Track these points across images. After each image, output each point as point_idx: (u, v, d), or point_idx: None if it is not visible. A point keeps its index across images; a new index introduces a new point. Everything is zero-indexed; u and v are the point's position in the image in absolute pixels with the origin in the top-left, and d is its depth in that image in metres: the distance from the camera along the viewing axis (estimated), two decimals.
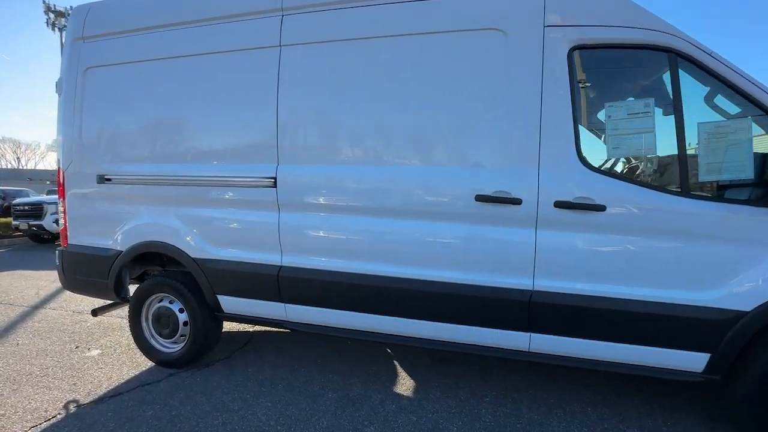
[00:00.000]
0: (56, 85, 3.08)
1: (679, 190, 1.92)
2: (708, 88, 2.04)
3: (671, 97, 1.92)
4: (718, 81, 1.90)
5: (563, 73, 2.02)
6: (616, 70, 2.29)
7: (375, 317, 2.38)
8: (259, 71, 2.51)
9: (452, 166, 2.19)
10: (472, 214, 2.14)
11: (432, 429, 2.16)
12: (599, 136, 2.53)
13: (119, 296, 3.00)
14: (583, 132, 2.12)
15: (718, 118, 2.09)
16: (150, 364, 2.97)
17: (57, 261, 3.14)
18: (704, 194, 1.94)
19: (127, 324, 3.04)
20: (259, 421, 2.24)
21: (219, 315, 2.81)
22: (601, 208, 1.96)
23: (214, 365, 2.94)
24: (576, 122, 2.02)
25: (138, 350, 3.02)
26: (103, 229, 2.95)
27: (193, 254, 2.71)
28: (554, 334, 2.11)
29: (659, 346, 1.98)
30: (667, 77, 1.98)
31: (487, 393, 2.51)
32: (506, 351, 2.23)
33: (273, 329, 3.57)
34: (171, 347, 2.92)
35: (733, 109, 2.03)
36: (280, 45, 2.46)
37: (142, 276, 3.13)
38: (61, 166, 3.05)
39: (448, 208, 2.19)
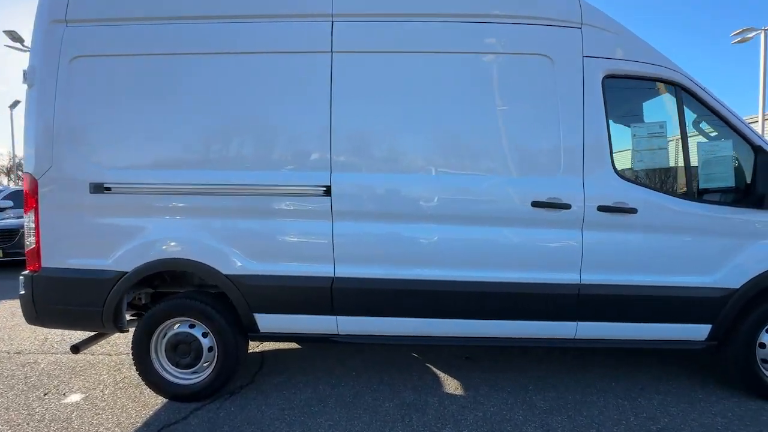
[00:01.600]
0: (24, 75, 2.53)
1: (688, 195, 2.41)
2: (695, 115, 2.59)
3: (680, 119, 2.41)
4: (707, 109, 2.45)
5: (599, 96, 2.38)
6: (636, 96, 2.75)
7: (437, 321, 2.45)
8: (310, 75, 2.42)
9: (511, 176, 2.40)
10: (528, 218, 2.37)
11: (501, 421, 2.31)
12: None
13: (117, 326, 2.55)
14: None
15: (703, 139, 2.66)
16: (160, 400, 2.57)
17: (22, 289, 2.55)
18: (705, 199, 2.45)
19: (102, 358, 2.60)
20: None
21: (253, 336, 2.58)
22: (634, 211, 2.35)
23: (239, 393, 2.66)
24: (610, 139, 2.39)
25: (133, 386, 2.60)
26: (98, 247, 2.49)
27: (227, 270, 2.45)
28: (597, 321, 2.43)
29: (676, 322, 2.43)
30: (672, 104, 2.47)
31: (528, 382, 2.74)
32: (555, 340, 2.49)
33: (283, 347, 3.36)
34: (190, 378, 2.57)
35: (713, 132, 2.61)
36: (331, 51, 2.42)
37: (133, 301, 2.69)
38: (30, 173, 2.50)
39: (508, 214, 2.38)
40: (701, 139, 2.50)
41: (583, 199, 2.35)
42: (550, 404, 2.47)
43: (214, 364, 2.54)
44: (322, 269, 2.45)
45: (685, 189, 2.45)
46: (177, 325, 2.56)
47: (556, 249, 2.40)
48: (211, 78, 2.47)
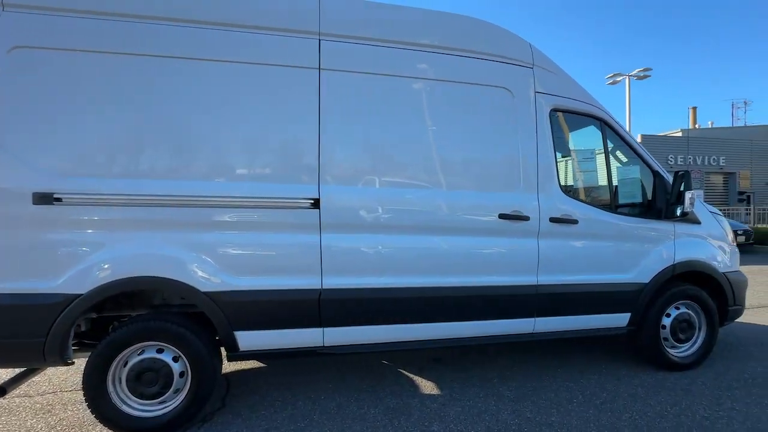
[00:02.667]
0: None
1: (611, 209, 2.98)
2: (613, 144, 3.22)
3: (604, 148, 2.99)
4: (621, 140, 3.08)
5: (548, 126, 2.85)
6: (571, 128, 3.29)
7: (419, 326, 2.62)
8: (298, 89, 2.45)
9: (481, 191, 2.71)
10: (497, 229, 2.70)
11: (479, 412, 2.55)
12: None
13: (62, 359, 2.20)
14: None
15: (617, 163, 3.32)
16: None
17: None
18: (623, 211, 3.06)
19: (21, 401, 2.27)
20: None
21: (232, 355, 2.44)
22: (576, 222, 2.83)
23: (213, 420, 2.48)
24: (556, 162, 2.87)
25: (76, 427, 2.27)
26: (40, 267, 2.15)
27: (205, 288, 2.30)
28: (551, 316, 2.85)
29: (607, 313, 2.96)
30: (598, 136, 3.05)
31: (492, 376, 3.05)
32: (517, 336, 2.84)
33: (246, 366, 3.20)
34: (156, 409, 2.32)
35: (626, 159, 3.26)
36: (319, 68, 2.49)
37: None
38: None
39: (481, 225, 2.68)
40: (618, 164, 3.13)
41: (539, 211, 2.76)
42: (515, 393, 2.80)
43: (186, 391, 2.34)
44: (310, 281, 2.45)
45: (609, 204, 3.03)
46: (140, 351, 2.30)
47: (519, 255, 2.76)
48: (190, 83, 2.34)
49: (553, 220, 2.79)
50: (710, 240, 3.21)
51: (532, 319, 2.82)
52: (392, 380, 3.01)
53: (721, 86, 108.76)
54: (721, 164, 22.26)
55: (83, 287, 2.16)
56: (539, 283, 2.79)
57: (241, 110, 2.39)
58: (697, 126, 29.08)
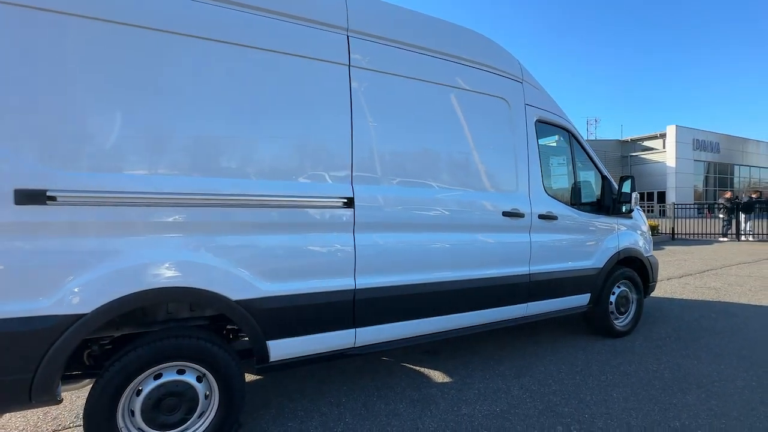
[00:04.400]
0: None
1: (577, 207, 3.54)
2: (576, 153, 3.79)
3: (572, 154, 3.53)
4: (583, 150, 3.68)
5: (534, 134, 3.26)
6: (547, 137, 3.76)
7: (441, 318, 2.77)
8: (328, 85, 2.37)
9: (489, 192, 2.98)
10: (501, 225, 3.00)
11: (494, 391, 2.80)
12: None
13: (53, 398, 1.79)
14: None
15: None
16: None
17: None
18: (584, 209, 3.64)
19: None
20: None
21: (260, 367, 2.25)
22: (556, 218, 3.30)
23: None
24: (541, 165, 3.30)
25: None
26: (26, 284, 1.71)
27: (236, 296, 2.09)
28: (539, 300, 3.27)
29: (573, 295, 3.51)
30: (567, 145, 3.59)
31: (488, 360, 3.36)
32: (514, 319, 3.19)
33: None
34: None
35: (586, 164, 3.88)
36: (349, 65, 2.45)
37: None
38: None
39: (491, 222, 2.94)
40: (580, 169, 3.72)
41: (530, 209, 3.15)
42: (513, 371, 3.14)
43: (213, 415, 2.09)
44: (344, 282, 2.40)
45: (575, 202, 3.58)
46: (159, 377, 1.98)
47: (517, 248, 3.11)
48: (217, 69, 2.09)
49: (540, 216, 3.20)
50: (638, 231, 4.04)
51: (525, 304, 3.20)
52: (402, 375, 3.09)
53: (580, 105, 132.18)
54: None
55: (87, 306, 1.78)
56: (531, 272, 3.19)
57: (271, 101, 2.23)
58: None
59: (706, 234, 14.67)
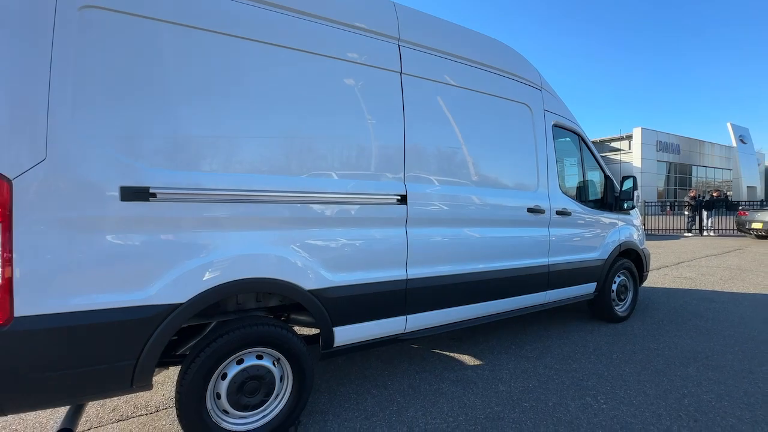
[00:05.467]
0: None
1: (585, 203, 3.90)
2: (585, 155, 4.15)
3: (581, 156, 3.88)
4: (589, 152, 4.04)
5: (552, 138, 3.57)
6: (560, 139, 4.08)
7: (476, 305, 3.02)
8: (384, 91, 2.57)
9: (517, 190, 3.26)
10: (526, 220, 3.29)
11: (523, 371, 3.09)
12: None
13: (149, 383, 1.91)
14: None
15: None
16: None
17: None
18: (591, 205, 4.00)
19: None
20: (438, 426, 2.38)
21: (325, 353, 2.43)
22: (570, 214, 3.64)
23: (303, 424, 2.43)
24: (556, 166, 3.62)
25: None
26: (126, 276, 1.82)
27: (309, 285, 2.27)
28: (556, 288, 3.59)
29: (583, 284, 3.86)
30: (577, 146, 3.93)
31: (508, 344, 3.65)
32: (534, 307, 3.50)
33: None
34: (255, 420, 2.18)
35: (593, 165, 4.24)
36: (401, 72, 2.65)
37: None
38: None
39: (518, 218, 3.23)
40: (588, 169, 4.08)
41: (549, 206, 3.47)
42: (534, 353, 3.45)
43: (287, 397, 2.26)
44: (398, 273, 2.61)
45: (584, 200, 3.94)
46: (240, 362, 2.13)
47: (539, 241, 3.41)
48: (288, 74, 2.24)
49: (557, 212, 3.53)
50: (634, 225, 4.46)
51: (545, 292, 3.51)
52: (435, 360, 3.33)
53: None
54: None
55: (182, 296, 1.91)
56: (550, 263, 3.50)
57: (340, 108, 2.41)
58: None
59: (672, 230, 15.78)
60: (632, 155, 35.85)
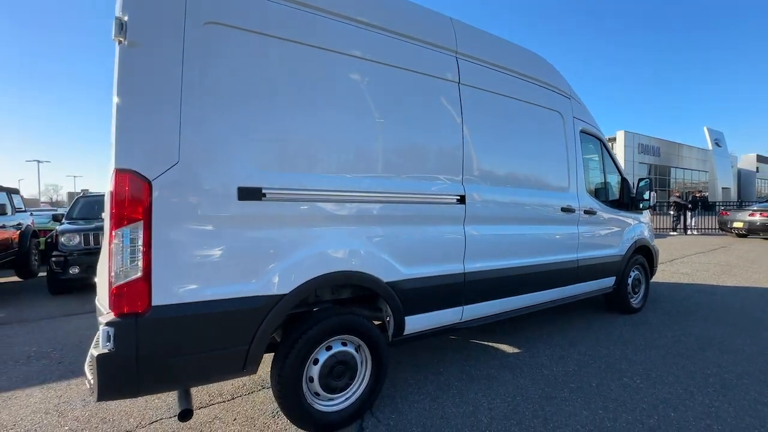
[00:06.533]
0: (119, 27, 1.74)
1: (605, 203, 4.22)
2: (605, 158, 4.46)
3: (602, 159, 4.20)
4: (609, 156, 4.36)
5: (579, 143, 3.87)
6: (585, 144, 4.38)
7: (520, 297, 3.28)
8: (446, 99, 2.80)
9: (553, 191, 3.54)
10: (560, 219, 3.58)
11: (561, 357, 3.36)
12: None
13: (254, 367, 2.08)
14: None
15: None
16: None
17: (108, 344, 1.71)
18: (611, 205, 4.32)
19: (211, 411, 2.13)
20: (500, 405, 2.62)
21: (395, 340, 2.64)
22: (595, 213, 3.95)
23: (376, 408, 2.63)
24: (583, 170, 3.92)
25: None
26: (241, 269, 2.00)
27: (386, 278, 2.47)
28: (583, 282, 3.89)
29: (604, 278, 4.18)
30: (599, 150, 4.25)
31: (540, 334, 3.93)
32: (567, 298, 3.79)
33: None
34: (340, 401, 2.37)
35: (611, 168, 4.57)
36: (459, 82, 2.89)
37: None
38: (135, 171, 1.75)
39: (555, 216, 3.51)
40: (609, 172, 4.40)
41: (579, 205, 3.76)
42: (565, 342, 3.73)
43: (366, 381, 2.46)
44: (457, 267, 2.84)
45: (605, 200, 4.26)
46: (329, 348, 2.32)
47: (569, 237, 3.70)
48: (369, 85, 2.45)
49: (585, 211, 3.83)
50: (646, 224, 4.81)
51: (574, 285, 3.81)
52: (477, 349, 3.57)
53: None
54: None
55: (287, 287, 2.09)
56: (578, 258, 3.80)
57: (416, 117, 2.63)
58: None
59: (658, 229, 16.51)
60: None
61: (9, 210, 6.98)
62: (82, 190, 7.87)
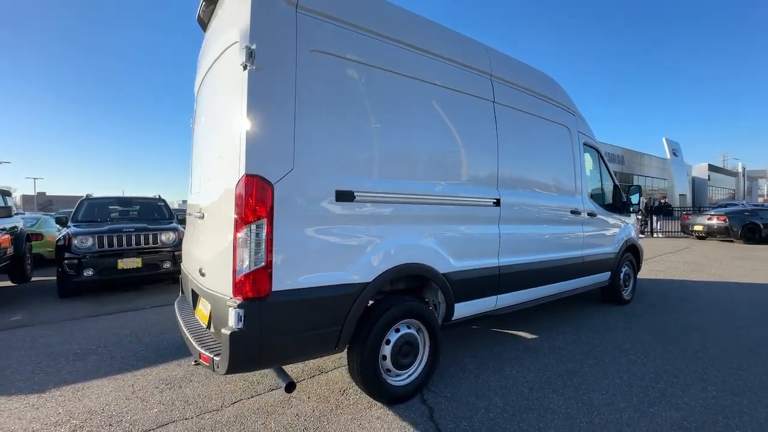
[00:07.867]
0: (248, 54, 2.06)
1: (602, 207, 4.80)
2: (601, 167, 5.06)
3: (600, 168, 4.79)
4: (604, 165, 4.96)
5: (583, 154, 4.43)
6: (586, 154, 4.94)
7: (541, 288, 3.76)
8: (485, 117, 3.25)
9: (564, 196, 4.06)
10: (569, 220, 4.10)
11: (576, 341, 3.86)
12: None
13: (343, 347, 2.42)
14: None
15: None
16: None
17: (239, 324, 2.01)
18: (606, 209, 4.90)
19: (307, 385, 2.44)
20: (521, 388, 3.06)
21: (445, 324, 3.03)
22: (596, 215, 4.51)
23: (431, 386, 3.00)
24: (586, 177, 4.48)
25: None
26: (336, 260, 2.34)
27: (442, 270, 2.87)
28: (586, 276, 4.43)
29: (602, 272, 4.75)
30: (597, 160, 4.84)
31: (551, 322, 4.42)
32: (576, 290, 4.31)
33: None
34: (404, 377, 2.73)
35: (606, 176, 5.17)
36: (493, 101, 3.35)
37: None
38: (260, 176, 2.07)
39: (566, 218, 4.02)
40: (604, 180, 4.99)
41: (583, 208, 4.30)
42: (573, 328, 4.24)
43: (425, 360, 2.83)
44: (493, 261, 3.27)
45: (602, 204, 4.84)
46: (398, 330, 2.68)
47: (576, 237, 4.23)
48: (429, 104, 2.85)
49: (589, 214, 4.38)
50: (633, 225, 5.46)
51: (579, 278, 4.34)
52: (499, 336, 4.01)
53: None
54: None
55: (369, 276, 2.45)
56: (583, 255, 4.33)
57: (464, 132, 3.06)
58: None
59: None
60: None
61: (14, 211, 6.83)
62: (86, 195, 7.70)
